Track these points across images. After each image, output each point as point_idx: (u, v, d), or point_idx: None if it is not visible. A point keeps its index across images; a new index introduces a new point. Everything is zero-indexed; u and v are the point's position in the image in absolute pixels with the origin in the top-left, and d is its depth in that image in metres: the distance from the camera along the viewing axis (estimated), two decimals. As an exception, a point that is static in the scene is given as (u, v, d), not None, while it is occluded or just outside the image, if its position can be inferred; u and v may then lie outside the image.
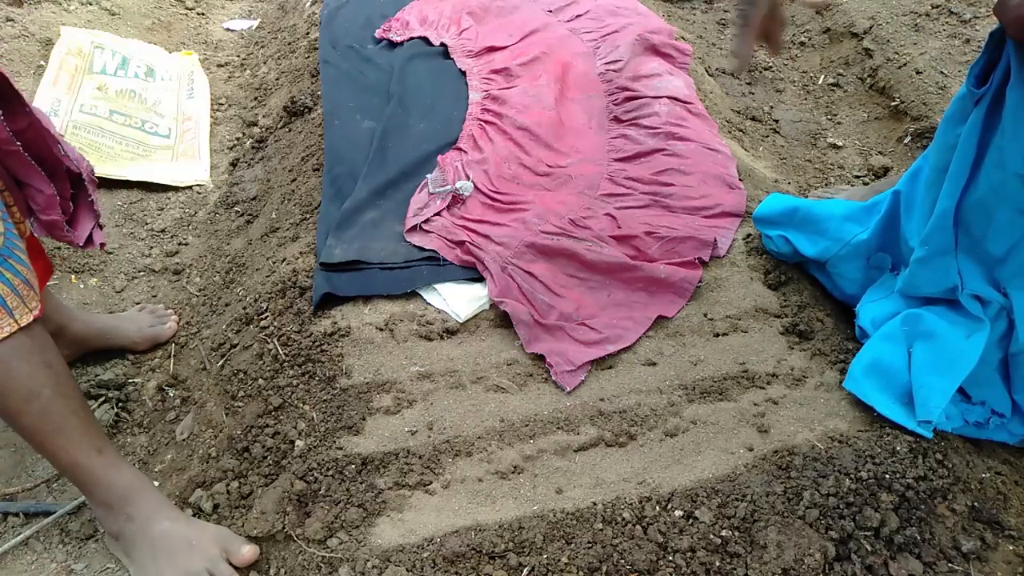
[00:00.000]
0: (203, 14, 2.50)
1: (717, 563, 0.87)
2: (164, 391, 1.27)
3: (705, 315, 1.23)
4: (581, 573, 0.87)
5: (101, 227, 1.08)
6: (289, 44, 2.19)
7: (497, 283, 1.23)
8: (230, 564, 0.92)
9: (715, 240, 1.31)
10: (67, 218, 1.02)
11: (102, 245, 1.07)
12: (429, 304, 1.23)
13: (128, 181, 1.72)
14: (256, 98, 2.09)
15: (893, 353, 1.05)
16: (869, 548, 0.89)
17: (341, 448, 1.01)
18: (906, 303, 1.09)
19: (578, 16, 1.99)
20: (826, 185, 1.75)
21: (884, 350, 1.05)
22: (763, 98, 2.05)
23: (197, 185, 1.79)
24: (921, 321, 1.04)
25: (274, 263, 1.34)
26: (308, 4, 2.33)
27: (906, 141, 1.78)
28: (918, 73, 1.86)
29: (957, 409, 1.03)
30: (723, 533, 0.90)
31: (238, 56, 2.34)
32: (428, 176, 1.46)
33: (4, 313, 0.82)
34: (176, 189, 1.76)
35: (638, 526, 0.91)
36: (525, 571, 0.87)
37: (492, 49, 1.85)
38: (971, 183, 0.95)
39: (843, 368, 1.12)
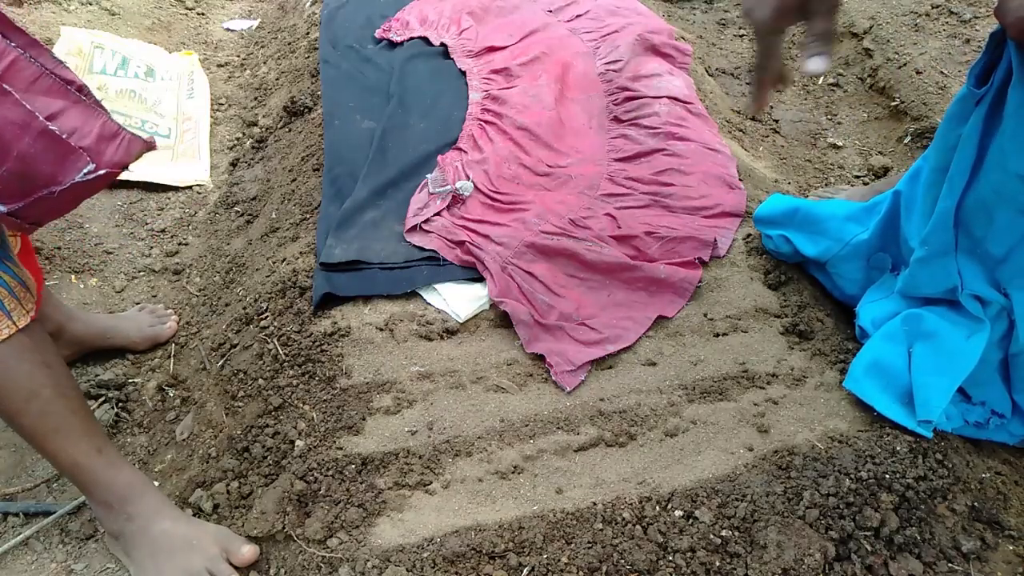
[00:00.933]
0: (203, 14, 2.50)
1: (717, 563, 0.87)
2: (164, 391, 1.27)
3: (705, 315, 1.23)
4: (581, 573, 0.87)
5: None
6: (289, 44, 2.19)
7: (497, 283, 1.23)
8: (230, 564, 0.92)
9: (715, 240, 1.31)
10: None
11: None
12: (429, 304, 1.23)
13: (128, 181, 1.72)
14: (256, 98, 2.09)
15: (893, 353, 1.04)
16: (869, 548, 0.89)
17: (341, 448, 1.01)
18: (906, 303, 1.09)
19: (578, 16, 1.99)
20: (826, 185, 1.75)
21: (884, 350, 1.05)
22: (763, 98, 2.05)
23: (197, 185, 1.79)
24: (922, 321, 1.04)
25: (274, 263, 1.34)
26: (308, 4, 2.33)
27: (906, 141, 1.78)
28: (918, 73, 1.86)
29: (957, 409, 1.03)
30: (723, 533, 0.90)
31: (238, 56, 2.34)
32: (428, 176, 1.46)
33: (2, 315, 0.82)
34: (176, 189, 1.76)
35: (638, 526, 0.91)
36: (525, 571, 0.87)
37: (492, 49, 1.85)
38: (972, 183, 0.95)
39: (843, 368, 1.12)
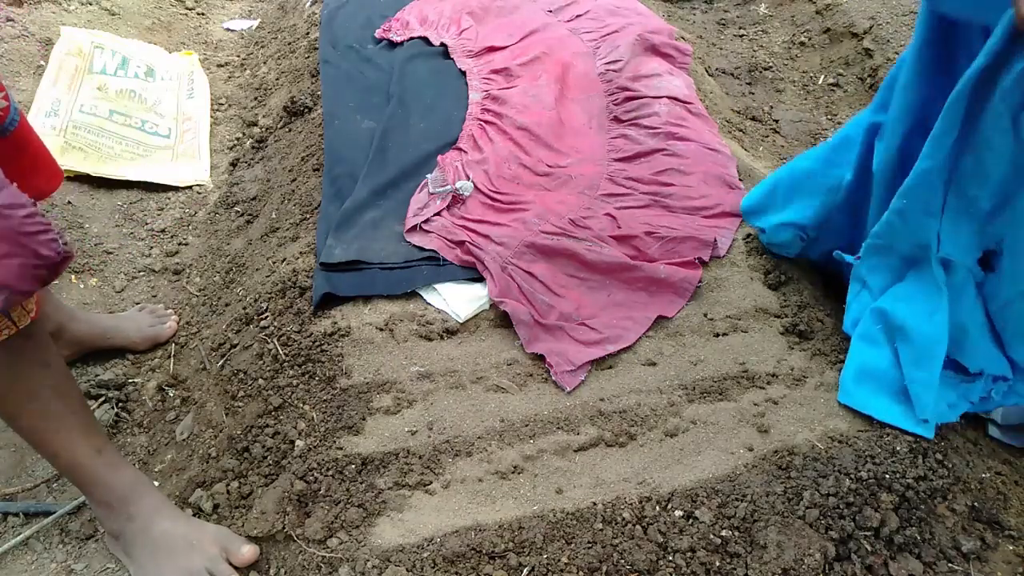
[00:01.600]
0: (203, 14, 2.50)
1: (717, 563, 0.87)
2: (164, 391, 1.27)
3: (705, 315, 1.23)
4: (581, 573, 0.87)
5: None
6: (289, 44, 2.19)
7: (497, 283, 1.23)
8: (230, 564, 0.92)
9: (715, 240, 1.31)
10: None
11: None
12: (429, 304, 1.23)
13: (128, 181, 1.72)
14: (256, 98, 2.09)
15: (876, 356, 1.05)
16: (869, 548, 0.89)
17: (341, 448, 1.01)
18: (870, 294, 1.08)
19: (578, 16, 1.99)
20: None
21: (867, 354, 1.06)
22: (763, 98, 2.05)
23: (197, 185, 1.79)
24: (888, 316, 1.04)
25: (274, 263, 1.34)
26: (308, 4, 2.33)
27: (906, 141, 1.78)
28: (918, 73, 1.85)
29: (957, 393, 1.02)
30: (723, 533, 0.90)
31: (238, 56, 2.34)
32: (428, 176, 1.46)
33: (1, 316, 0.82)
34: (176, 189, 1.76)
35: (638, 526, 0.91)
36: (525, 571, 0.87)
37: (492, 49, 1.85)
38: (966, 141, 0.93)
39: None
